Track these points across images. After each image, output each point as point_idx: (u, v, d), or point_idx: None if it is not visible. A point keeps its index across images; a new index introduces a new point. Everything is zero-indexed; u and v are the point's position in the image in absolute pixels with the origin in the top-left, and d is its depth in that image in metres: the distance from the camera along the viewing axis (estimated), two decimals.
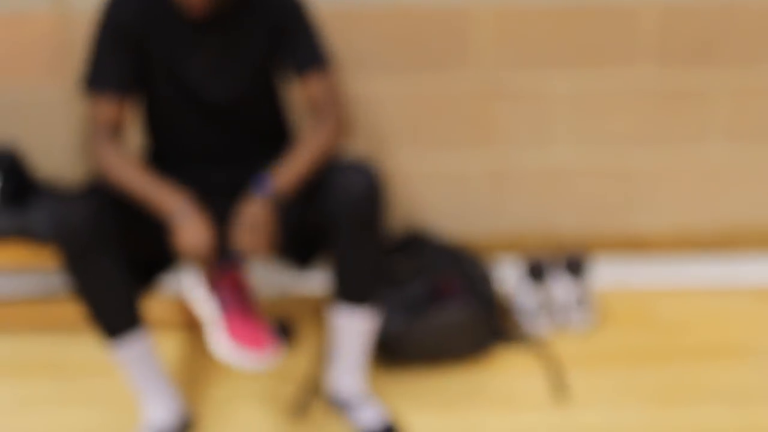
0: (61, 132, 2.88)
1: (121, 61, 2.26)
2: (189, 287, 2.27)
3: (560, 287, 2.75)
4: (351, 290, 2.26)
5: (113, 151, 2.24)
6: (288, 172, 2.21)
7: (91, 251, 2.13)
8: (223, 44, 2.26)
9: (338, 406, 2.36)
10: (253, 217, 2.15)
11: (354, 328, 2.29)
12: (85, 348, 2.71)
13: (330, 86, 2.33)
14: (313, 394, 2.46)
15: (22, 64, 2.82)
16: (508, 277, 2.86)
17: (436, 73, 2.83)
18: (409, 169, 2.93)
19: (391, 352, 2.54)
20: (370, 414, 2.32)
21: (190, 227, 2.14)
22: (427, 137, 2.90)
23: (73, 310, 2.77)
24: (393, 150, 2.90)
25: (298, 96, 2.33)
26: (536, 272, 2.80)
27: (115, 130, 2.27)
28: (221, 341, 2.18)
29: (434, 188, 2.95)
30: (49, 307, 2.86)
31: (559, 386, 2.47)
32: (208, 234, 2.15)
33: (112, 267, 2.16)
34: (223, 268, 2.23)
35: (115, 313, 2.22)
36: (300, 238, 2.32)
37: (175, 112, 2.31)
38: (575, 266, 2.80)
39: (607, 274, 2.97)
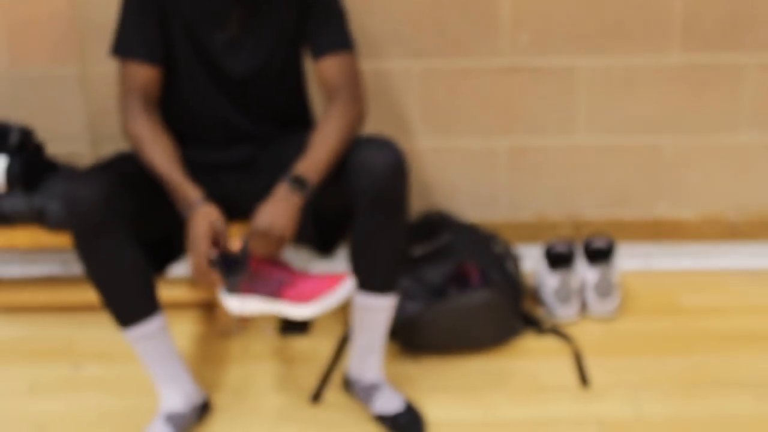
0: (75, 111, 2.87)
1: (150, 28, 2.23)
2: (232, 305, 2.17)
3: (583, 273, 2.71)
4: (373, 277, 2.21)
5: (143, 121, 2.20)
6: (315, 161, 2.12)
7: (102, 232, 2.08)
8: (248, 16, 2.23)
9: (355, 392, 2.33)
10: (282, 208, 2.09)
11: (374, 314, 2.25)
12: (99, 331, 2.70)
13: (350, 69, 2.28)
14: (330, 380, 2.43)
15: (36, 44, 2.81)
16: (530, 263, 2.82)
17: (459, 54, 2.80)
18: (429, 151, 2.90)
19: (411, 338, 2.51)
20: (387, 399, 2.28)
21: (197, 231, 2.08)
22: (449, 119, 2.87)
23: (89, 293, 2.77)
24: (414, 131, 2.88)
25: (319, 78, 2.29)
26: (559, 258, 2.77)
27: (147, 98, 2.24)
28: (298, 310, 2.09)
29: (455, 171, 2.93)
30: (64, 289, 2.85)
31: (581, 374, 2.43)
32: (206, 248, 2.08)
33: (125, 249, 2.12)
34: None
35: (129, 299, 2.18)
36: (322, 221, 2.28)
37: (194, 84, 2.29)
38: (599, 252, 2.77)
39: (631, 260, 2.93)
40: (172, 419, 2.22)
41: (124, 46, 2.25)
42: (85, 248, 2.11)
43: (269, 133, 2.33)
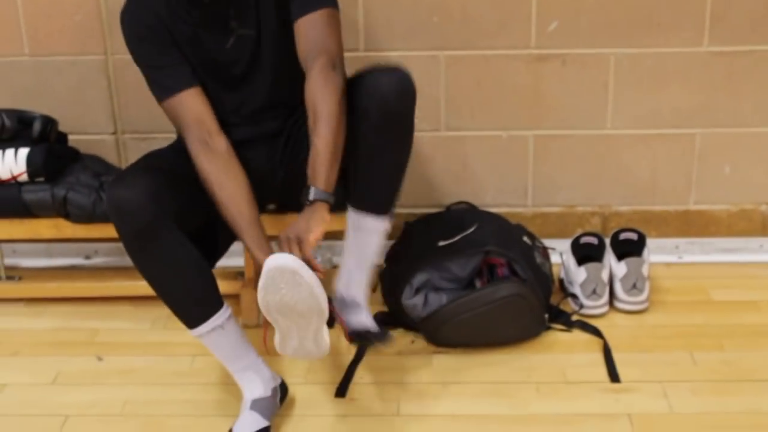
0: (99, 100, 2.86)
1: (169, 56, 2.22)
2: None
3: (612, 266, 2.68)
4: (372, 197, 2.18)
5: (206, 161, 2.18)
6: (322, 171, 2.07)
7: (153, 234, 2.05)
8: (236, 17, 2.22)
9: (334, 304, 2.24)
10: (308, 224, 2.05)
11: (368, 235, 2.21)
12: (123, 323, 2.71)
13: (324, 26, 2.18)
14: (354, 374, 2.41)
15: (59, 32, 2.81)
16: (559, 256, 2.80)
17: (486, 43, 2.77)
18: (455, 141, 2.88)
19: (437, 331, 2.48)
20: (364, 318, 2.24)
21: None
22: (476, 109, 2.84)
23: (112, 284, 2.77)
24: (440, 120, 2.85)
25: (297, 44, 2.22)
26: (587, 250, 2.74)
27: (203, 127, 2.21)
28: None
29: (481, 161, 2.90)
30: (87, 280, 2.85)
31: (611, 369, 2.40)
32: None
33: (179, 248, 2.10)
34: None
35: (193, 298, 2.16)
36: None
37: (211, 87, 2.27)
38: (628, 244, 2.74)
39: (661, 253, 2.90)
40: (257, 405, 2.20)
41: (160, 90, 2.24)
42: (138, 252, 2.09)
43: (293, 104, 2.31)
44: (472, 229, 2.60)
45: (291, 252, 1.97)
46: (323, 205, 2.06)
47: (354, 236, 2.24)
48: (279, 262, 1.93)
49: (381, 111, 2.10)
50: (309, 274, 1.95)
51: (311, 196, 2.06)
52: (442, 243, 2.57)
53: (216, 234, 2.28)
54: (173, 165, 2.22)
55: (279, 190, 2.37)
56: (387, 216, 2.23)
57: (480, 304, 2.43)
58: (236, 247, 2.61)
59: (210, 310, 2.16)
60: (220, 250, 2.32)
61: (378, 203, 2.20)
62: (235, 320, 2.21)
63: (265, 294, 1.96)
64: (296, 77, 2.19)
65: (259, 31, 2.24)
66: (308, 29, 2.18)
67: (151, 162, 2.24)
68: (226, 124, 2.27)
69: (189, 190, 2.18)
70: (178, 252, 2.10)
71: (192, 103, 2.22)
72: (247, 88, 2.28)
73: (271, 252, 2.08)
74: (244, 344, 2.23)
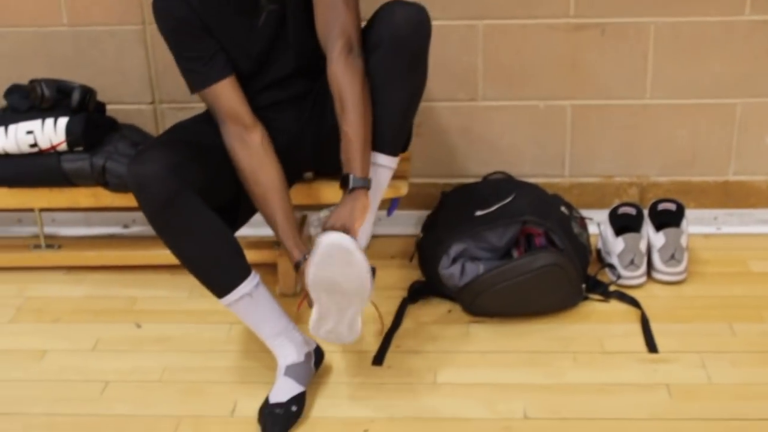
0: (137, 70, 2.88)
1: (202, 47, 2.22)
2: None
3: (650, 236, 2.66)
4: (380, 133, 2.16)
5: (240, 153, 2.21)
6: (356, 156, 2.09)
7: (175, 205, 2.07)
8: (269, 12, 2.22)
9: None
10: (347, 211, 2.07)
11: (377, 175, 2.19)
12: (161, 291, 2.73)
13: (342, 6, 2.16)
14: (391, 343, 2.42)
15: (97, 3, 2.82)
16: (596, 226, 2.79)
17: (524, 12, 2.76)
18: (493, 110, 2.87)
19: (474, 301, 2.48)
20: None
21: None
22: (513, 78, 2.83)
23: (150, 252, 2.79)
24: (478, 90, 2.84)
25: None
26: (625, 220, 2.72)
27: (237, 118, 2.22)
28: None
29: (519, 131, 2.89)
30: (126, 248, 2.87)
31: (649, 339, 2.40)
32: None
33: (203, 218, 2.11)
34: None
35: (220, 267, 2.17)
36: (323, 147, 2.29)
37: (242, 60, 2.27)
38: (666, 214, 2.72)
39: (700, 224, 2.89)
40: (291, 371, 2.21)
41: (195, 80, 2.25)
42: (162, 225, 2.11)
43: (320, 68, 2.30)
44: (509, 199, 2.60)
45: None
46: (363, 192, 2.08)
47: None
48: (336, 239, 1.97)
49: (393, 39, 2.11)
50: (361, 257, 1.99)
51: (351, 184, 2.07)
52: (479, 212, 2.57)
53: (238, 204, 2.29)
54: (197, 136, 2.23)
55: (311, 154, 2.38)
56: (395, 156, 2.22)
57: (517, 274, 2.42)
58: None
59: (237, 279, 2.17)
60: (241, 221, 2.33)
61: (387, 142, 2.19)
62: (265, 287, 2.22)
63: (316, 269, 1.99)
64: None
65: (284, 5, 2.23)
66: (326, 9, 2.17)
67: (174, 135, 2.25)
68: (253, 91, 2.28)
69: (213, 161, 2.20)
70: (202, 222, 2.12)
71: (226, 95, 2.23)
72: (274, 59, 2.29)
73: (304, 247, 2.15)
74: (275, 310, 2.24)
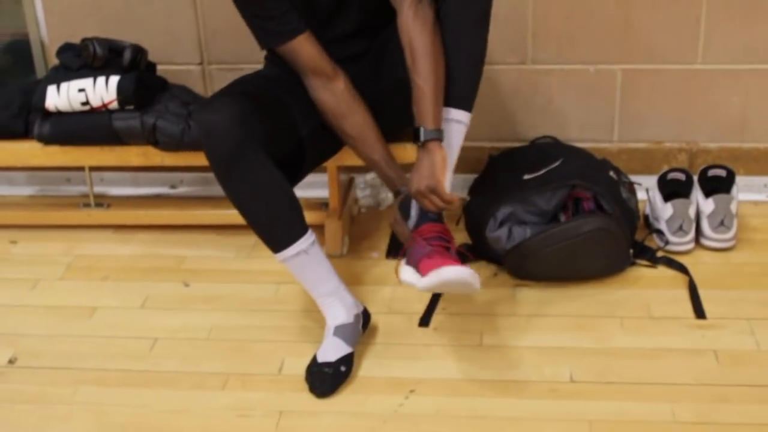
0: (187, 30, 2.89)
1: (276, 5, 2.17)
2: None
3: (699, 203, 2.65)
4: (449, 87, 2.14)
5: (324, 100, 2.22)
6: (432, 107, 2.09)
7: (241, 157, 2.08)
8: None
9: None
10: (426, 167, 2.09)
11: (452, 130, 2.18)
12: (208, 251, 2.75)
13: None
14: (438, 304, 2.43)
15: None
16: (645, 192, 2.77)
17: None
18: (542, 74, 2.86)
19: (521, 265, 2.48)
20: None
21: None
22: (563, 42, 2.81)
23: (198, 212, 2.82)
24: (527, 53, 2.83)
25: None
26: (674, 186, 2.71)
27: (318, 70, 2.22)
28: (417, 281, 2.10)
29: (568, 95, 2.88)
30: (174, 208, 2.90)
31: (696, 306, 2.39)
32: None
33: (267, 171, 2.12)
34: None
35: (279, 222, 2.18)
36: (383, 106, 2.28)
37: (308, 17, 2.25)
38: (716, 180, 2.70)
39: (749, 191, 2.86)
40: (340, 331, 2.23)
41: (271, 38, 2.23)
42: (226, 175, 2.12)
43: (380, 26, 2.30)
44: (557, 163, 2.59)
45: (432, 204, 2.08)
46: (436, 144, 2.08)
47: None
48: (457, 276, 2.00)
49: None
50: (477, 279, 2.03)
51: (422, 137, 2.07)
52: (527, 176, 2.56)
53: (298, 159, 2.29)
54: (263, 90, 2.23)
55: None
56: (466, 110, 2.20)
57: (565, 238, 2.42)
58: (320, 178, 2.65)
59: (295, 235, 2.18)
60: (303, 174, 2.33)
61: (459, 96, 2.17)
62: (320, 247, 2.23)
63: (431, 289, 2.07)
64: (384, 3, 2.19)
65: None
66: None
67: (240, 87, 2.25)
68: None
69: (278, 115, 2.20)
70: (265, 176, 2.13)
71: (305, 49, 2.21)
72: (337, 17, 2.28)
73: (404, 178, 2.18)
74: (328, 270, 2.25)
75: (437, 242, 2.13)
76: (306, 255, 2.20)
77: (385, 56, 2.21)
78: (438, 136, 2.09)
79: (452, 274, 2.00)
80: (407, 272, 2.13)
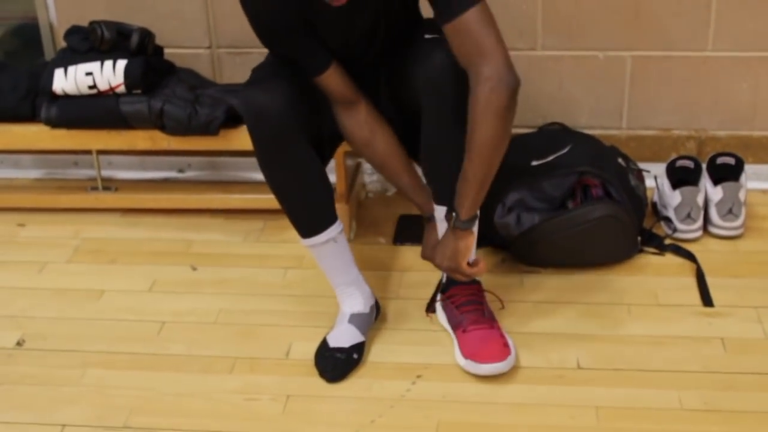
0: (195, 15, 2.89)
1: (303, 44, 2.11)
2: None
3: (708, 190, 2.65)
4: (446, 188, 2.11)
5: (351, 126, 2.20)
6: (470, 199, 2.04)
7: (286, 142, 2.07)
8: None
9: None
10: (457, 251, 2.10)
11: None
12: (216, 234, 2.76)
13: (475, 30, 1.93)
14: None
15: None
16: (654, 180, 2.77)
17: None
18: (550, 60, 2.85)
19: (529, 250, 2.49)
20: None
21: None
22: (572, 28, 2.81)
23: (206, 196, 2.83)
24: (536, 39, 2.82)
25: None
26: (682, 174, 2.71)
27: (347, 100, 2.18)
28: (457, 355, 2.20)
29: (576, 81, 2.87)
30: (181, 192, 2.91)
31: (704, 293, 2.39)
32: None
33: (309, 160, 2.12)
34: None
35: (313, 210, 2.19)
36: (405, 130, 2.26)
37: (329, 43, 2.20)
38: (725, 168, 2.70)
39: (758, 179, 2.86)
40: (355, 320, 2.24)
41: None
42: (269, 158, 2.10)
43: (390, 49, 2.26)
44: (566, 150, 2.59)
45: (457, 277, 2.14)
46: (466, 233, 2.09)
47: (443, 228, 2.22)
48: (494, 372, 2.13)
49: (432, 95, 2.07)
50: (512, 362, 2.15)
51: (453, 224, 2.08)
52: (535, 162, 2.56)
53: (331, 146, 2.30)
54: (298, 72, 2.20)
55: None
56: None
57: (574, 224, 2.42)
58: None
59: (327, 223, 2.20)
60: (328, 160, 2.31)
61: (445, 191, 2.15)
62: (344, 236, 2.25)
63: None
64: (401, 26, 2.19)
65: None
66: (461, 35, 1.95)
67: (284, 70, 2.17)
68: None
69: (317, 100, 2.18)
70: (307, 163, 2.12)
71: (331, 82, 2.15)
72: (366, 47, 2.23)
73: (431, 203, 2.22)
74: (350, 259, 2.27)
75: (471, 307, 2.21)
76: (334, 243, 2.21)
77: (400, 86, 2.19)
78: (469, 227, 2.08)
79: (489, 371, 2.12)
80: (443, 319, 2.30)
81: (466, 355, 2.15)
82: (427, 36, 2.15)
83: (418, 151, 2.21)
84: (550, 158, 2.57)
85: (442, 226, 2.19)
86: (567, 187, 2.50)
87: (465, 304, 2.22)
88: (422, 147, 2.16)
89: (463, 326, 2.19)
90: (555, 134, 2.78)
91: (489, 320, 2.21)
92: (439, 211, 2.20)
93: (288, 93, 2.07)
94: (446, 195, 2.12)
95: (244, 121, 2.09)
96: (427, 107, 2.09)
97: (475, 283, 2.26)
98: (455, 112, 2.02)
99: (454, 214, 2.07)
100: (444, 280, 2.29)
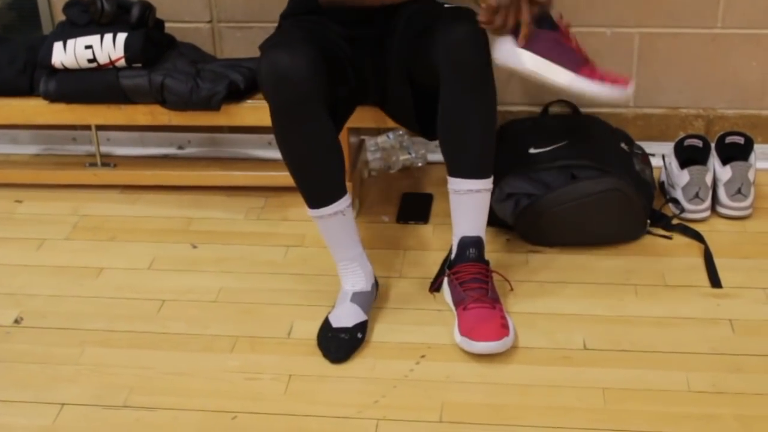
0: None
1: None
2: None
3: (716, 170, 2.63)
4: (465, 161, 2.15)
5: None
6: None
7: (305, 110, 2.04)
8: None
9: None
10: None
11: (470, 197, 2.19)
12: (216, 212, 2.74)
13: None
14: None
15: None
16: (662, 159, 2.75)
17: None
18: None
19: (533, 226, 2.47)
20: None
21: None
22: (579, 3, 2.78)
23: (206, 173, 2.81)
24: None
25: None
26: (690, 153, 2.69)
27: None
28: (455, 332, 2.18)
29: None
30: (181, 169, 2.89)
31: (712, 274, 2.38)
32: None
33: (326, 129, 2.10)
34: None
35: (324, 181, 2.16)
36: (422, 104, 2.25)
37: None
38: (734, 148, 2.68)
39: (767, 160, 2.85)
40: (358, 298, 2.22)
41: None
42: (286, 122, 2.06)
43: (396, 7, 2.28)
44: (564, 143, 2.54)
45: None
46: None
47: (457, 203, 2.24)
48: (489, 351, 2.11)
49: (453, 64, 2.09)
50: (511, 341, 2.14)
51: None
52: (533, 150, 2.52)
53: (342, 115, 2.30)
54: (326, 41, 2.20)
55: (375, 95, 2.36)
56: (486, 178, 2.21)
57: (580, 196, 2.39)
58: None
59: (337, 194, 2.17)
60: (340, 130, 2.30)
61: (471, 166, 2.20)
62: (351, 211, 2.23)
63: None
64: None
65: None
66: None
67: (309, 34, 2.17)
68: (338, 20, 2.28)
69: (337, 68, 2.18)
70: (323, 131, 2.10)
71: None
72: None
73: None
74: (355, 235, 2.25)
75: (475, 285, 2.18)
76: (342, 216, 2.19)
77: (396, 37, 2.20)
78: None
79: (483, 349, 2.11)
80: (449, 299, 2.27)
81: (463, 332, 2.13)
82: (447, 5, 2.19)
83: (431, 128, 2.21)
84: (549, 149, 2.53)
85: (456, 198, 2.19)
86: (564, 180, 2.46)
87: (469, 281, 2.19)
88: (441, 119, 2.15)
89: (465, 303, 2.17)
90: (555, 120, 2.75)
91: (491, 300, 2.18)
92: (457, 183, 2.19)
93: (313, 57, 2.04)
94: (466, 167, 2.14)
95: (264, 83, 2.04)
96: (448, 77, 2.09)
97: (483, 263, 2.24)
98: (478, 82, 2.08)
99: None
100: (452, 256, 2.26)
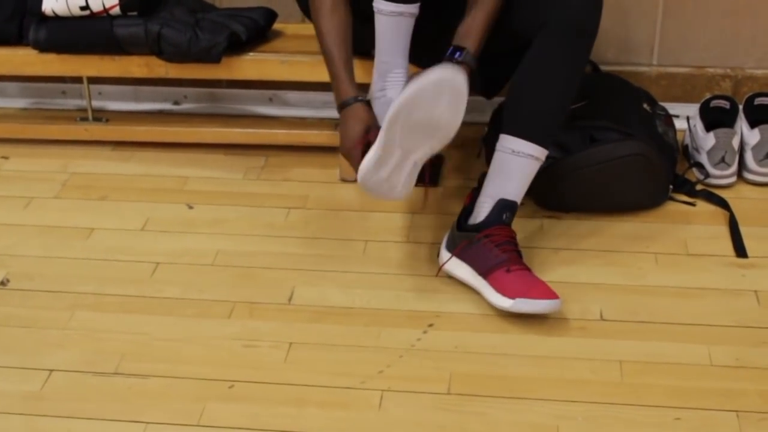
0: None
1: None
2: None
3: (743, 133, 2.61)
4: (532, 121, 2.17)
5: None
6: (474, 30, 2.11)
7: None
8: None
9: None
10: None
11: (521, 161, 2.20)
12: (213, 171, 2.74)
13: None
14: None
15: None
16: (686, 120, 2.74)
17: None
18: None
19: (552, 189, 2.46)
20: None
21: (346, 127, 2.17)
22: None
23: (206, 129, 2.80)
24: None
25: None
26: (716, 115, 2.67)
27: None
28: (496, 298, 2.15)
29: (605, 14, 2.79)
30: (177, 125, 2.88)
31: (737, 242, 2.37)
32: (358, 139, 2.14)
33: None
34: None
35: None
36: (488, 63, 2.24)
37: None
38: (762, 110, 2.67)
39: None
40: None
41: None
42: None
43: None
44: (583, 102, 2.52)
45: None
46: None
47: (502, 162, 2.23)
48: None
49: (566, 24, 2.18)
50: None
51: (460, 57, 2.09)
52: None
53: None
54: None
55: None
56: (545, 146, 2.23)
57: (600, 160, 2.39)
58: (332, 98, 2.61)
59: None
60: None
61: (537, 128, 2.22)
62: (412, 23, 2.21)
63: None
64: None
65: None
66: None
67: None
68: None
69: None
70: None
71: None
72: None
73: (351, 96, 2.18)
74: (408, 48, 2.22)
75: (511, 247, 2.17)
76: (405, 19, 2.17)
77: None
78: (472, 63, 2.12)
79: (546, 308, 2.09)
80: (461, 269, 2.22)
81: (513, 294, 2.10)
82: None
83: (492, 86, 2.31)
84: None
85: (507, 158, 2.20)
86: (582, 142, 2.45)
87: (505, 243, 2.17)
88: (525, 72, 2.19)
89: (507, 266, 2.14)
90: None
91: (530, 271, 2.18)
92: (517, 144, 2.19)
93: None
94: (535, 131, 2.18)
95: None
96: (555, 30, 2.15)
97: (509, 226, 2.22)
98: (582, 49, 2.21)
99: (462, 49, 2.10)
100: (481, 218, 2.21)
